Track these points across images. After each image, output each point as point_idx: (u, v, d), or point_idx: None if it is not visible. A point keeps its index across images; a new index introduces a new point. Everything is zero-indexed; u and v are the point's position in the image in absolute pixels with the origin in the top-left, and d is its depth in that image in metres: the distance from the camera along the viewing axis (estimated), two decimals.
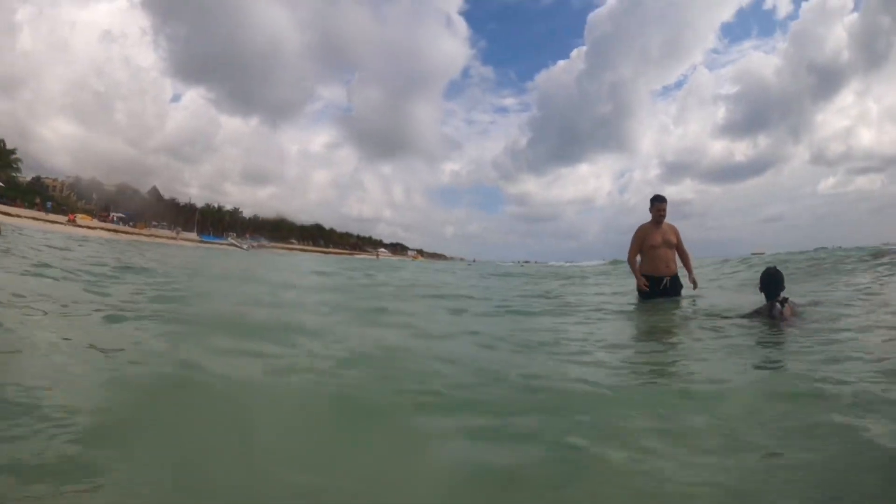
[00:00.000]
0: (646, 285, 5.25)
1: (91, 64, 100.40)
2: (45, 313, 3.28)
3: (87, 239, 27.92)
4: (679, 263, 5.43)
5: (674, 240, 5.32)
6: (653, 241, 5.23)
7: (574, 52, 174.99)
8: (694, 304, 4.99)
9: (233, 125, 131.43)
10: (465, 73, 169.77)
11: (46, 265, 6.36)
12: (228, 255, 31.70)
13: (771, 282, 3.76)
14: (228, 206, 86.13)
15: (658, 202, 5.30)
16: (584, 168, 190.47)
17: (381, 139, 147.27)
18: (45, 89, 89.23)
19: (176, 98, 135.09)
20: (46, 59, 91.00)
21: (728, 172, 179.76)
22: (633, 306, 5.34)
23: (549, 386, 2.22)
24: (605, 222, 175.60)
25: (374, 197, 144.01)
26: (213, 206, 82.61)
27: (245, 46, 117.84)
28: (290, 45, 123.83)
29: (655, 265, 5.27)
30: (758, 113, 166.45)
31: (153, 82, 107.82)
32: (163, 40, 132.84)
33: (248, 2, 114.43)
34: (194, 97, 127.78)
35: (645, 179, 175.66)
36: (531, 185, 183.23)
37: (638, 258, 5.40)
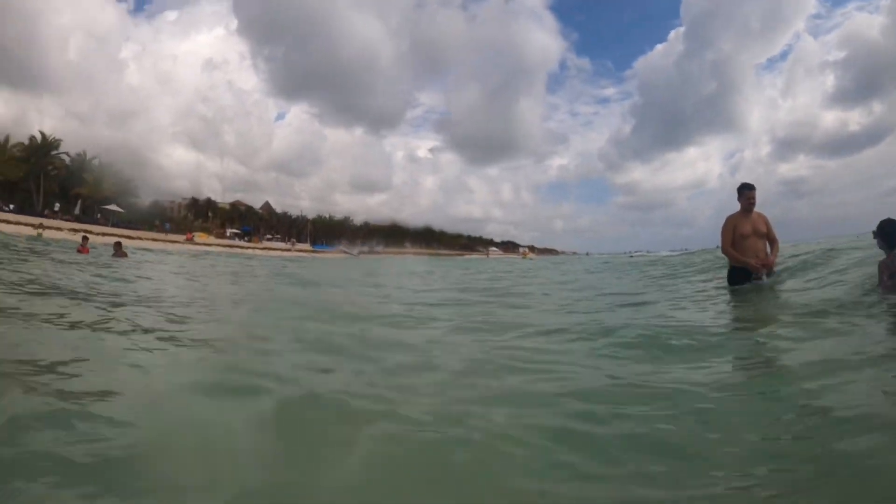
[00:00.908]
0: (755, 266, 5.08)
1: (196, 92, 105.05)
2: None
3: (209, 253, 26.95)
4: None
5: (764, 229, 5.14)
6: (743, 231, 5.08)
7: (671, 34, 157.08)
8: (786, 284, 5.34)
9: (337, 137, 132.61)
10: (563, 65, 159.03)
11: None
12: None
13: (887, 231, 3.67)
14: (339, 216, 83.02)
15: (747, 190, 5.19)
16: (691, 151, 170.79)
17: (484, 139, 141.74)
18: (156, 119, 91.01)
19: (280, 116, 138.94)
20: (154, 92, 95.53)
21: (843, 144, 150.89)
22: (731, 295, 5.15)
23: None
24: (719, 206, 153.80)
25: (481, 197, 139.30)
26: (325, 217, 79.85)
27: (341, 59, 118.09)
28: (385, 54, 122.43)
29: (745, 256, 5.12)
30: (868, 77, 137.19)
31: (257, 103, 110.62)
32: (261, 63, 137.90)
33: (340, 17, 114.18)
34: (298, 113, 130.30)
35: (756, 158, 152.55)
36: (638, 174, 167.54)
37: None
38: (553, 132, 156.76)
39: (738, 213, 5.17)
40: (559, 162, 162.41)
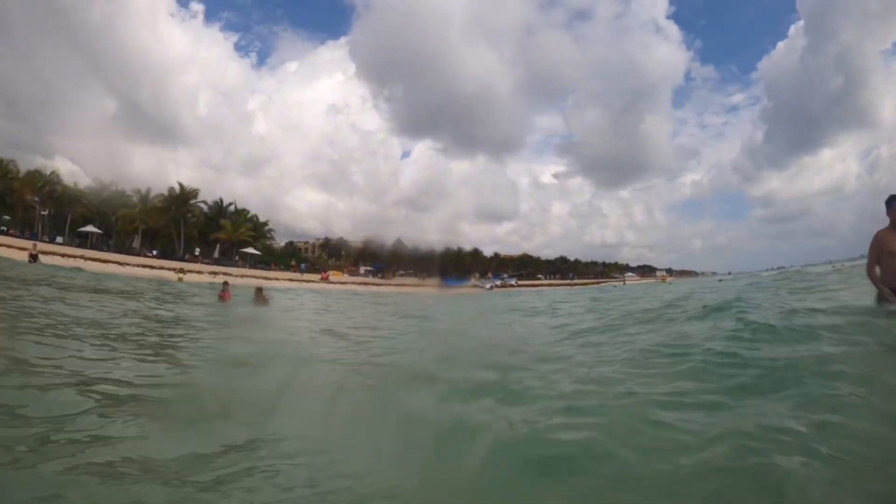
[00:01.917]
0: (887, 296, 4.41)
1: (322, 136, 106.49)
2: None
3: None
4: None
5: None
6: (892, 248, 4.38)
7: (791, 30, 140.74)
8: None
9: (462, 169, 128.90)
10: (687, 76, 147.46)
11: None
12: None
13: None
14: (467, 246, 77.45)
15: None
16: (826, 153, 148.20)
17: (612, 160, 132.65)
18: (286, 165, 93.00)
19: (405, 154, 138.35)
20: (282, 139, 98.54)
21: None
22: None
23: None
24: (859, 210, 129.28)
25: (614, 221, 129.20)
26: (453, 249, 74.75)
27: (460, 93, 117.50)
28: (502, 84, 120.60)
29: None
30: None
31: (382, 143, 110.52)
32: (382, 104, 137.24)
33: (453, 52, 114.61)
34: (422, 150, 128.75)
35: (894, 154, 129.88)
36: (774, 183, 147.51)
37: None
38: (683, 147, 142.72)
39: (887, 227, 4.51)
40: (692, 178, 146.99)
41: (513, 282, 69.42)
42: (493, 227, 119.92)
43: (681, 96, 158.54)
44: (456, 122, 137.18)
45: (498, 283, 66.99)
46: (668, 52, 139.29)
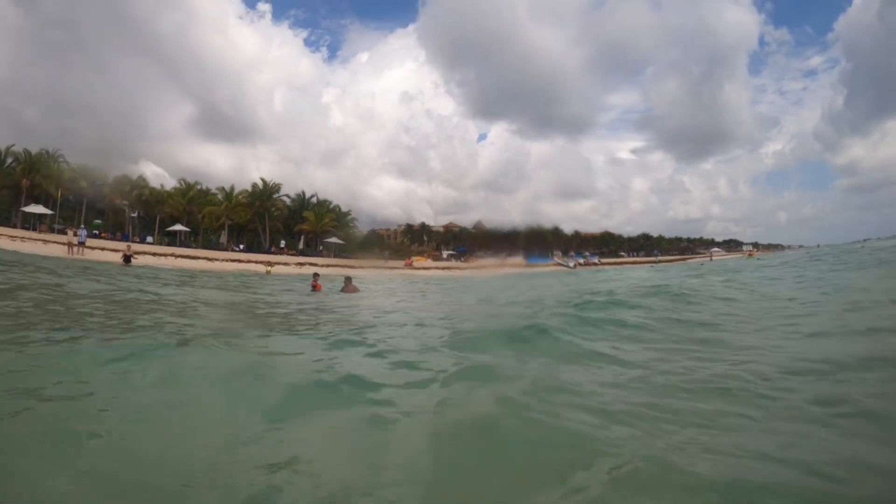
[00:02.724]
0: None
1: (398, 124, 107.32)
2: None
3: None
4: None
5: None
6: None
7: None
8: None
9: (540, 149, 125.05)
10: (762, 41, 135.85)
11: None
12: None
13: None
14: (548, 225, 74.82)
15: None
16: None
17: (692, 133, 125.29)
18: (364, 154, 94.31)
19: (482, 136, 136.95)
20: (358, 129, 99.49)
21: None
22: None
23: None
24: None
25: (698, 195, 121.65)
26: (535, 227, 72.37)
27: (532, 74, 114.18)
28: (573, 62, 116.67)
29: None
30: None
31: (457, 127, 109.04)
32: (455, 88, 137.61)
33: (521, 33, 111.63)
34: (499, 132, 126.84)
35: None
36: (858, 150, 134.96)
37: None
38: (763, 116, 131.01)
39: None
40: (774, 148, 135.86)
41: (595, 260, 65.71)
42: (570, 205, 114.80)
43: (757, 62, 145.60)
44: (530, 103, 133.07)
45: (581, 261, 63.66)
46: (739, 16, 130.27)
